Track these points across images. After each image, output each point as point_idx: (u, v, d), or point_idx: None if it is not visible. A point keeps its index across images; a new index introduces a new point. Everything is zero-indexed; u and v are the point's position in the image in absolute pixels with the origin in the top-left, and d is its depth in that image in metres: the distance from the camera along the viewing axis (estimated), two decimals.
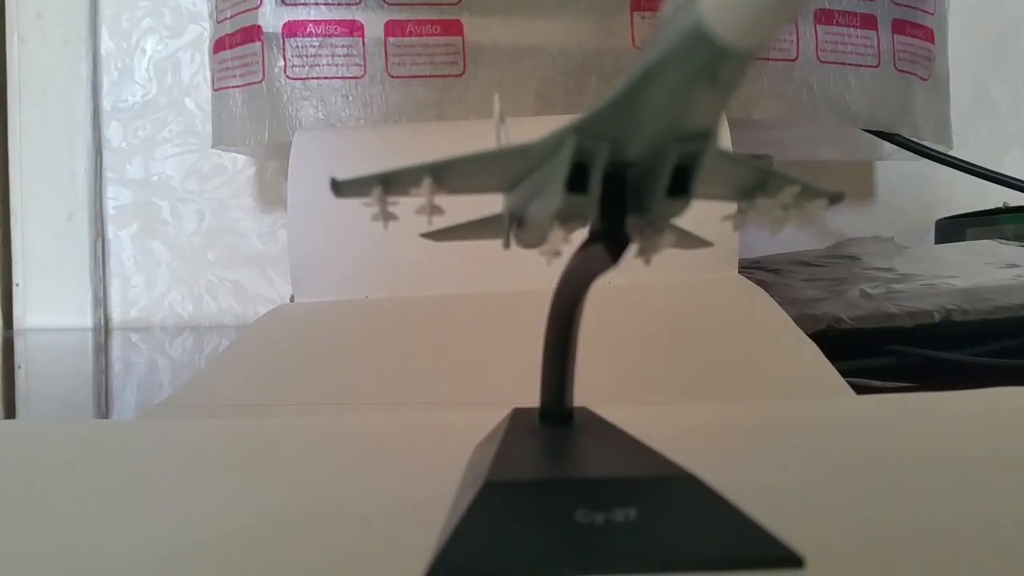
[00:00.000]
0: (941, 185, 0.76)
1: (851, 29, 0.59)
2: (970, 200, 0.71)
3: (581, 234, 0.18)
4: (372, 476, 0.22)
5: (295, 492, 0.21)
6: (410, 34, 0.55)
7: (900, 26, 0.61)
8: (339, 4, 0.54)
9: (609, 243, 0.17)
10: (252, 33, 0.55)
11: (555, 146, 0.16)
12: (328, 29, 0.54)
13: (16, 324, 0.72)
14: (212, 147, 0.61)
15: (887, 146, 0.64)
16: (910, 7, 0.62)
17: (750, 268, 0.53)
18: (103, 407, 0.43)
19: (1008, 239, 0.59)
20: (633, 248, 0.18)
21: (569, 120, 0.16)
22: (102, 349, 0.65)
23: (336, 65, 0.54)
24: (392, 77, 0.55)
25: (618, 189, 0.17)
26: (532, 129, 0.17)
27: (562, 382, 0.20)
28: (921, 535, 0.17)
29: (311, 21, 0.55)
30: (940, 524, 0.17)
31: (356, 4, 0.54)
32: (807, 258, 0.58)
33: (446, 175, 0.17)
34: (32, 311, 0.72)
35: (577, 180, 0.16)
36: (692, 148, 0.16)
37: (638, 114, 0.15)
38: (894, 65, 0.60)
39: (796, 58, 0.58)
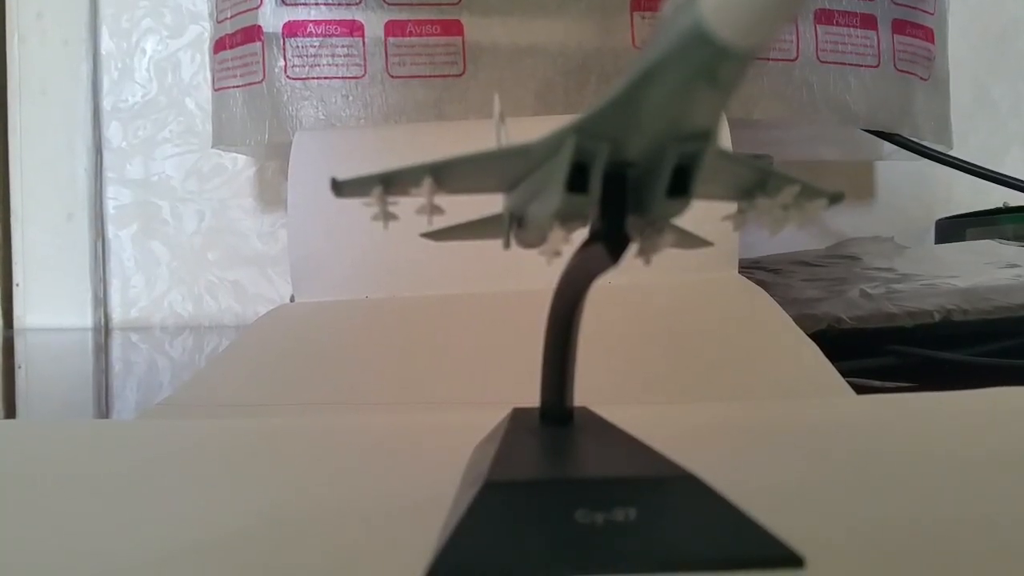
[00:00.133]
0: (941, 185, 0.76)
1: (851, 29, 0.59)
2: (970, 200, 0.71)
3: (581, 234, 0.18)
4: (372, 476, 0.22)
5: (295, 492, 0.21)
6: (410, 34, 0.55)
7: (900, 26, 0.61)
8: (339, 4, 0.54)
9: (609, 243, 0.17)
10: (252, 33, 0.55)
11: (555, 146, 0.16)
12: (328, 29, 0.54)
13: (16, 324, 0.72)
14: (212, 147, 0.61)
15: (887, 146, 0.64)
16: (910, 7, 0.61)
17: (750, 268, 0.53)
18: (103, 407, 0.43)
19: (1008, 239, 0.59)
20: (633, 248, 0.18)
21: (569, 120, 0.16)
22: (102, 349, 0.65)
23: (336, 65, 0.54)
24: (392, 77, 0.55)
25: (618, 189, 0.17)
26: (532, 129, 0.17)
27: (562, 382, 0.20)
28: (921, 535, 0.17)
29: (311, 21, 0.55)
30: (940, 524, 0.17)
31: (356, 4, 0.54)
32: (807, 258, 0.58)
33: (446, 175, 0.17)
34: (32, 311, 0.72)
35: (577, 180, 0.16)
36: (692, 148, 0.16)
37: (638, 114, 0.15)
38: (894, 65, 0.60)
39: (796, 58, 0.58)
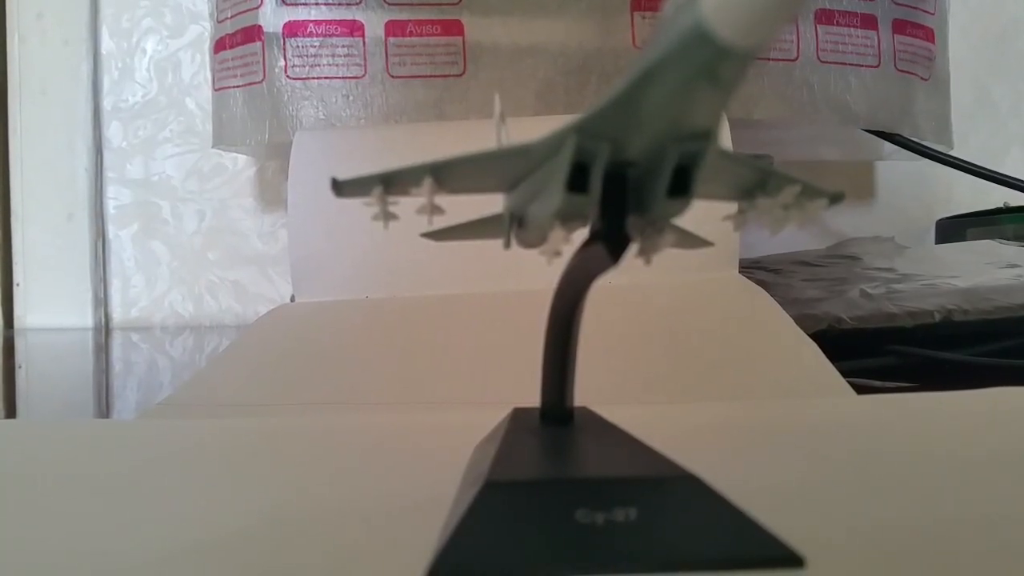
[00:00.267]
0: (941, 185, 0.76)
1: (851, 29, 0.59)
2: (970, 200, 0.71)
3: (581, 234, 0.18)
4: (372, 476, 0.22)
5: (295, 492, 0.21)
6: (411, 34, 0.55)
7: (900, 26, 0.61)
8: (340, 4, 0.54)
9: (610, 243, 0.17)
10: (253, 33, 0.55)
11: (555, 146, 0.16)
12: (329, 29, 0.54)
13: (16, 324, 0.72)
14: (212, 147, 0.61)
15: (887, 146, 0.64)
16: (910, 7, 0.61)
17: (751, 268, 0.53)
18: (103, 407, 0.43)
19: (1008, 239, 0.59)
20: (634, 248, 0.18)
21: (569, 120, 0.16)
22: (102, 349, 0.65)
23: (337, 65, 0.54)
24: (392, 77, 0.55)
25: (618, 189, 0.17)
26: (533, 129, 0.17)
27: (563, 382, 0.20)
28: (921, 535, 0.17)
29: (312, 21, 0.55)
30: (940, 524, 0.17)
31: (357, 4, 0.54)
32: (807, 258, 0.58)
33: (447, 175, 0.17)
34: (33, 311, 0.72)
35: (577, 180, 0.16)
36: (693, 148, 0.16)
37: (639, 114, 0.15)
38: (894, 65, 0.60)
39: (796, 58, 0.58)
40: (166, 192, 0.73)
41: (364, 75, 0.55)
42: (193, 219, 0.73)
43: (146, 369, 0.56)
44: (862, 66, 0.59)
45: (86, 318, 0.71)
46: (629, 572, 0.15)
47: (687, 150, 0.16)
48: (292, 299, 0.50)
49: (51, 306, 0.71)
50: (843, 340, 0.41)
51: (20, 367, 0.59)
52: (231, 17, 0.57)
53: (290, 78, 0.55)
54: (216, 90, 0.59)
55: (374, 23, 0.54)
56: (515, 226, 0.21)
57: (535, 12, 0.55)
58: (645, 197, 0.17)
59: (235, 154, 0.70)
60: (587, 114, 0.16)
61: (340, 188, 0.17)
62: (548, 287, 0.19)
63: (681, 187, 0.16)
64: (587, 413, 0.21)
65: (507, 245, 0.21)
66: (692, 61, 0.14)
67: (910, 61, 0.61)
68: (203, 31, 0.70)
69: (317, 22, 0.55)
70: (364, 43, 0.54)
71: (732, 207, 0.19)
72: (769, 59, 0.57)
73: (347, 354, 0.41)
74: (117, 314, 0.73)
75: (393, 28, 0.54)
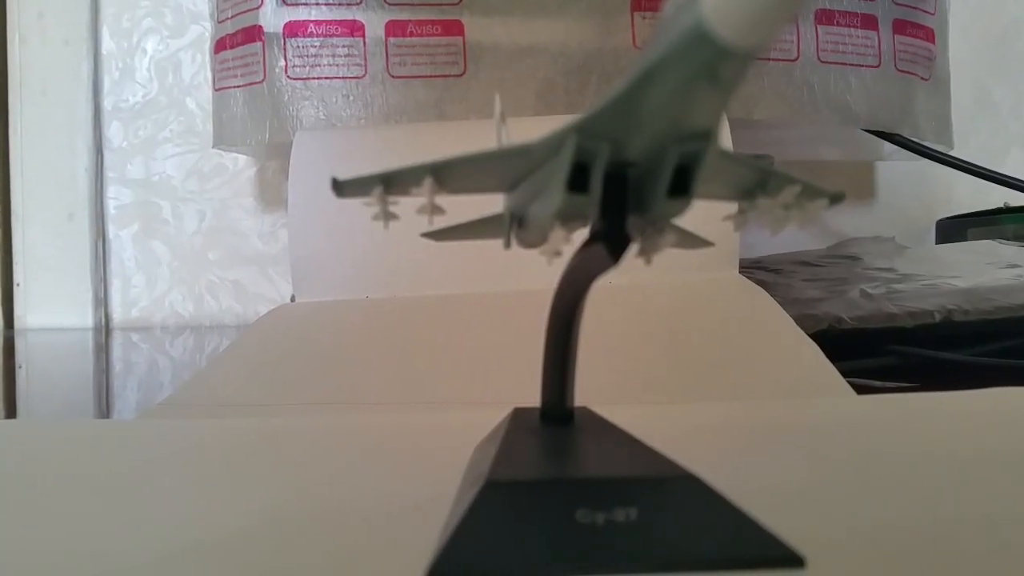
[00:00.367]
0: (942, 185, 0.76)
1: (852, 29, 0.59)
2: (971, 200, 0.71)
3: (582, 234, 0.18)
4: (373, 476, 0.22)
5: (296, 492, 0.21)
6: (411, 34, 0.55)
7: (901, 26, 0.61)
8: (340, 4, 0.54)
9: (610, 243, 0.17)
10: (253, 33, 0.55)
11: (556, 146, 0.16)
12: (329, 29, 0.54)
13: (17, 324, 0.72)
14: (213, 147, 0.61)
15: (888, 146, 0.64)
16: (911, 7, 0.61)
17: (751, 268, 0.53)
18: (104, 407, 0.43)
19: (1009, 239, 0.59)
20: (634, 248, 0.18)
21: (570, 120, 0.16)
22: (103, 349, 0.65)
23: (337, 65, 0.54)
24: (393, 77, 0.55)
25: (619, 189, 0.17)
26: (533, 129, 0.17)
27: (563, 382, 0.20)
28: (922, 535, 0.17)
29: (312, 21, 0.55)
30: (941, 524, 0.17)
31: (357, 4, 0.54)
32: (808, 258, 0.58)
33: (447, 175, 0.17)
34: (33, 311, 0.72)
35: (578, 180, 0.16)
36: (693, 148, 0.16)
37: (639, 114, 0.15)
38: (895, 65, 0.60)
39: (797, 58, 0.58)
40: (166, 192, 0.73)
41: (364, 75, 0.55)
42: (193, 219, 0.73)
43: (146, 369, 0.56)
44: (862, 66, 0.59)
45: (86, 318, 0.71)
46: (629, 572, 0.15)
47: (687, 150, 0.16)
48: (292, 299, 0.50)
49: (51, 306, 0.71)
50: (843, 340, 0.41)
51: (20, 367, 0.59)
52: (231, 17, 0.57)
53: (290, 78, 0.55)
54: (216, 90, 0.59)
55: (374, 23, 0.55)
56: (515, 226, 0.21)
57: (535, 12, 0.55)
58: (645, 197, 0.17)
59: (235, 154, 0.70)
60: (587, 114, 0.16)
61: (340, 188, 0.17)
62: (548, 287, 0.19)
63: (681, 187, 0.16)
64: (587, 413, 0.21)
65: (507, 245, 0.21)
66: (692, 61, 0.14)
67: (910, 61, 0.61)
68: (204, 31, 0.70)
69: (317, 22, 0.55)
70: (364, 43, 0.54)
71: (732, 207, 0.19)
72: (769, 59, 0.57)
73: (347, 354, 0.41)
74: (117, 314, 0.73)
75: (393, 28, 0.54)
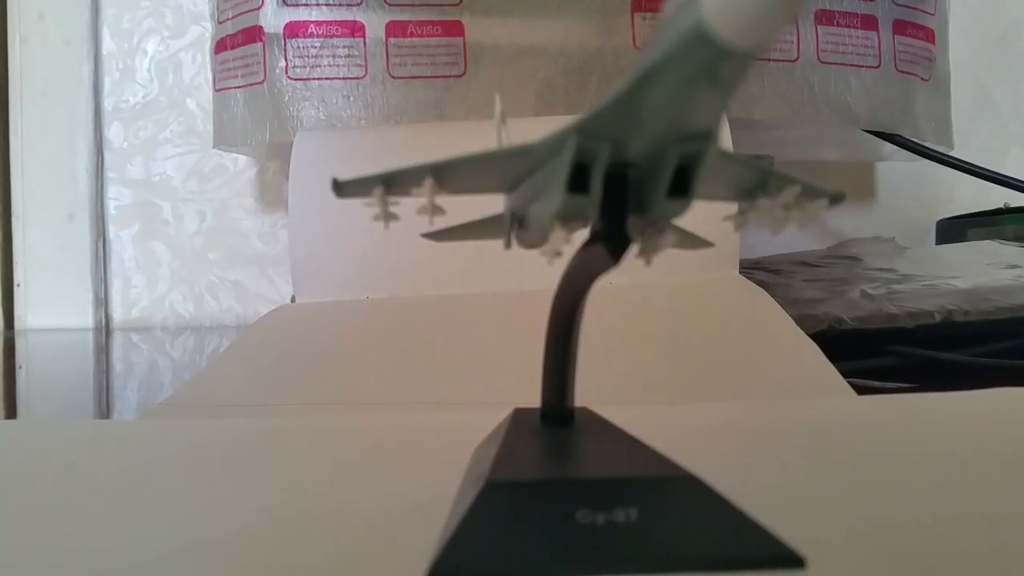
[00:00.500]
0: (942, 186, 0.76)
1: (852, 30, 0.59)
2: (971, 201, 0.71)
3: (582, 234, 0.18)
4: (373, 476, 0.22)
5: (296, 492, 0.21)
6: (411, 35, 0.55)
7: (901, 27, 0.61)
8: (340, 5, 0.54)
9: (610, 243, 0.17)
10: (253, 34, 0.55)
11: (556, 146, 0.16)
12: (329, 30, 0.54)
13: (17, 324, 0.72)
14: (213, 147, 0.61)
15: (888, 146, 0.64)
16: (911, 8, 0.61)
17: (751, 268, 0.53)
18: (104, 407, 0.43)
19: (1009, 240, 0.59)
20: (634, 248, 0.18)
21: (570, 120, 0.16)
22: (103, 349, 0.65)
23: (337, 66, 0.55)
24: (393, 78, 0.55)
25: (619, 189, 0.17)
26: (533, 129, 0.17)
27: (563, 382, 0.20)
28: (922, 535, 0.17)
29: (312, 22, 0.55)
30: (941, 524, 0.17)
31: (357, 5, 0.54)
32: (808, 258, 0.58)
33: (447, 175, 0.17)
34: (33, 311, 0.72)
35: (578, 180, 0.16)
36: (693, 148, 0.16)
37: (639, 114, 0.15)
38: (895, 66, 0.60)
39: (797, 59, 0.58)
40: (167, 192, 0.73)
41: (365, 76, 0.55)
42: (194, 219, 0.73)
43: (147, 369, 0.56)
44: (862, 67, 0.59)
45: (87, 318, 0.71)
46: (630, 572, 0.15)
47: (688, 150, 0.16)
48: (293, 299, 0.50)
49: (52, 306, 0.71)
50: (843, 340, 0.41)
51: (20, 367, 0.59)
52: (232, 18, 0.57)
53: (291, 79, 0.55)
54: (217, 91, 0.59)
55: (375, 24, 0.55)
56: (516, 226, 0.21)
57: (535, 13, 0.55)
58: (646, 197, 0.17)
59: (236, 155, 0.70)
60: (588, 115, 0.16)
61: (341, 188, 0.17)
62: (549, 287, 0.19)
63: (681, 187, 0.16)
64: (588, 413, 0.21)
65: (508, 245, 0.21)
66: (692, 61, 0.14)
67: (910, 62, 0.61)
68: (204, 32, 0.70)
69: (318, 23, 0.55)
70: (365, 44, 0.54)
71: (732, 207, 0.19)
72: (769, 59, 0.57)
73: (348, 354, 0.41)
74: (118, 314, 0.73)
75: (394, 29, 0.55)
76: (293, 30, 0.55)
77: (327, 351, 0.42)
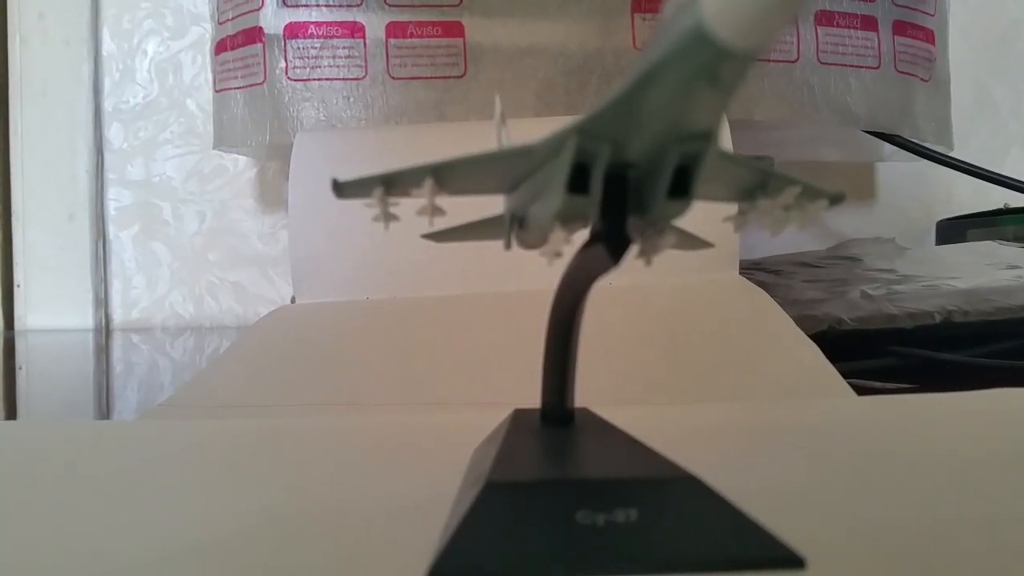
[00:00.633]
0: (942, 186, 0.76)
1: (852, 30, 0.59)
2: (971, 201, 0.71)
3: (582, 235, 0.18)
4: (373, 476, 0.22)
5: (296, 492, 0.21)
6: (411, 35, 0.55)
7: (901, 27, 0.61)
8: (340, 6, 0.54)
9: (610, 244, 0.17)
10: (253, 34, 0.55)
11: (556, 147, 0.16)
12: (329, 30, 0.55)
13: (17, 325, 0.72)
14: (213, 148, 0.61)
15: (888, 147, 0.64)
16: (911, 8, 0.62)
17: (751, 269, 0.53)
18: (104, 408, 0.43)
19: (1009, 240, 0.59)
20: (634, 249, 0.18)
21: (570, 121, 0.16)
22: (103, 350, 0.65)
23: (337, 66, 0.55)
24: (393, 78, 0.55)
25: (619, 190, 0.17)
26: (533, 130, 0.17)
27: (563, 383, 0.20)
28: (922, 536, 0.17)
29: (312, 23, 0.55)
30: (941, 525, 0.17)
31: (357, 6, 0.54)
32: (808, 259, 0.58)
33: (447, 176, 0.17)
34: (33, 312, 0.72)
35: (578, 181, 0.16)
36: (693, 149, 0.16)
37: (639, 115, 0.15)
38: (895, 66, 0.60)
39: (797, 59, 0.58)
40: (167, 193, 0.73)
41: (365, 76, 0.55)
42: (194, 220, 0.73)
43: (147, 370, 0.56)
44: (862, 67, 0.59)
45: (87, 319, 0.71)
46: (630, 573, 0.15)
47: (688, 151, 0.16)
48: (293, 300, 0.50)
49: (52, 307, 0.71)
50: (843, 341, 0.41)
51: (20, 368, 0.59)
52: (232, 19, 0.57)
53: (291, 79, 0.55)
54: (217, 91, 0.59)
55: (375, 24, 0.55)
56: (516, 227, 0.21)
57: (536, 13, 0.55)
58: (646, 198, 0.17)
59: (236, 155, 0.70)
60: (588, 115, 0.16)
61: (341, 189, 0.17)
62: (549, 288, 0.20)
63: (681, 188, 0.16)
64: (588, 414, 0.21)
65: (508, 246, 0.21)
66: (692, 62, 0.14)
67: (910, 62, 0.61)
68: (204, 33, 0.70)
69: (318, 23, 0.55)
70: (365, 44, 0.55)
71: (732, 208, 0.19)
72: (769, 60, 0.57)
73: (348, 355, 0.41)
74: (118, 315, 0.73)
75: (394, 29, 0.55)
76: (293, 31, 0.55)
77: (327, 352, 0.42)
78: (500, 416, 0.21)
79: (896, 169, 0.74)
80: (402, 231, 0.18)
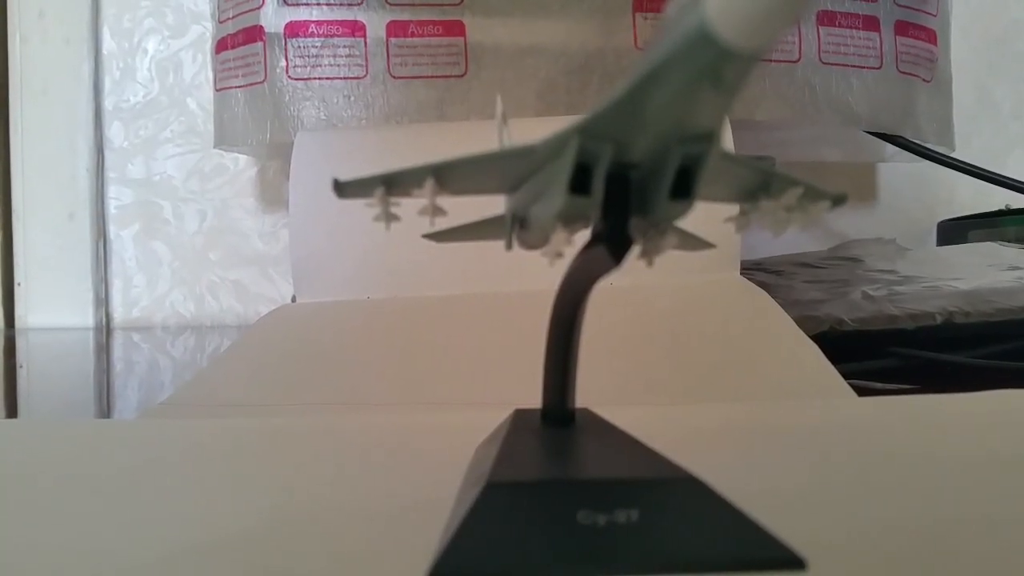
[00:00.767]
0: (943, 187, 0.76)
1: (853, 31, 0.59)
2: (972, 202, 0.71)
3: (584, 235, 0.18)
4: (373, 477, 0.22)
5: (296, 492, 0.21)
6: (412, 35, 0.55)
7: (902, 28, 0.61)
8: (341, 4, 0.54)
9: (612, 244, 0.17)
10: (254, 33, 0.55)
11: (558, 147, 0.16)
12: (330, 29, 0.54)
13: (18, 323, 0.72)
14: (214, 147, 0.61)
15: (889, 148, 0.63)
16: (912, 9, 0.61)
17: (752, 270, 0.53)
18: (104, 407, 0.43)
19: (1010, 241, 0.59)
20: (636, 250, 0.18)
21: (572, 121, 0.16)
22: (103, 349, 0.65)
23: (338, 65, 0.54)
24: (394, 77, 0.55)
25: (621, 190, 0.17)
26: (535, 130, 0.17)
27: (564, 383, 0.20)
28: (923, 536, 0.17)
29: (313, 21, 0.55)
30: (942, 525, 0.17)
31: (358, 4, 0.54)
32: (809, 260, 0.58)
33: (448, 176, 0.17)
34: (34, 310, 0.72)
35: (580, 181, 0.16)
36: (695, 149, 0.16)
37: (642, 115, 0.15)
38: (896, 67, 0.60)
39: (799, 59, 0.58)
40: (167, 192, 0.73)
41: (366, 75, 0.55)
42: (194, 219, 0.73)
43: (147, 369, 0.56)
44: (864, 67, 0.59)
45: (87, 318, 0.71)
46: (630, 574, 0.15)
47: (690, 152, 0.16)
48: (293, 299, 0.50)
49: (52, 306, 0.71)
50: (844, 342, 0.41)
51: (21, 367, 0.59)
52: (233, 17, 0.57)
53: (291, 78, 0.55)
54: (217, 90, 0.59)
55: (376, 23, 0.55)
56: (517, 227, 0.21)
57: (537, 12, 0.55)
58: (647, 199, 0.17)
59: (236, 154, 0.70)
60: (590, 115, 0.16)
61: (342, 189, 0.17)
62: (550, 288, 0.19)
63: (683, 189, 0.16)
64: (588, 414, 0.21)
65: (509, 246, 0.21)
66: (695, 63, 0.13)
67: (912, 63, 0.61)
68: (205, 31, 0.70)
69: (319, 22, 0.55)
70: (366, 43, 0.54)
71: (734, 209, 0.19)
72: (771, 60, 0.57)
73: (348, 355, 0.41)
74: (118, 314, 0.73)
75: (395, 28, 0.55)
76: (294, 30, 0.55)
77: (328, 351, 0.42)
78: (501, 416, 0.21)
79: (897, 170, 0.74)
80: (403, 231, 0.18)
